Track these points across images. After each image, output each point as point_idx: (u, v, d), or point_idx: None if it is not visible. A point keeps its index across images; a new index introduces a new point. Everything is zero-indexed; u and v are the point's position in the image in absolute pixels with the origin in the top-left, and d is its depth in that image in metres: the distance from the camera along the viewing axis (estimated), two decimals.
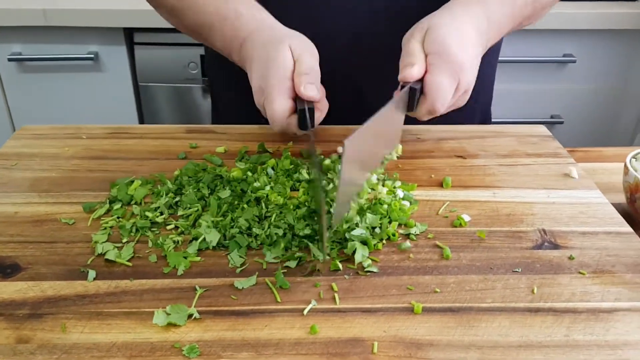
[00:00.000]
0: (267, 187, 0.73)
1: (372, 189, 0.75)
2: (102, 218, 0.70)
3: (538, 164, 0.82)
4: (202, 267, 0.63)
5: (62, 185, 0.76)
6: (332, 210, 0.66)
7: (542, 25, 1.64)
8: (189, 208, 0.70)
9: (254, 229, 0.67)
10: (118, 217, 0.69)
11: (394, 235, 0.67)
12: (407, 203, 0.72)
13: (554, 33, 1.69)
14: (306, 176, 0.77)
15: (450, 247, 0.66)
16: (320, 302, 0.59)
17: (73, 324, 0.55)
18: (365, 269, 0.62)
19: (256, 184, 0.74)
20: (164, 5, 0.87)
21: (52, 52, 1.68)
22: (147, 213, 0.69)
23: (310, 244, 0.65)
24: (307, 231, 0.66)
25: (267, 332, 0.55)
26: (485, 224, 0.70)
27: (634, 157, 0.76)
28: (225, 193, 0.72)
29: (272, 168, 0.78)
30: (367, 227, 0.66)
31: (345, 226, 0.67)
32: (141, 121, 1.81)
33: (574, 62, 1.72)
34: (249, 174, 0.76)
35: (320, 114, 0.76)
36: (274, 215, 0.69)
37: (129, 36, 1.68)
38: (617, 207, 0.74)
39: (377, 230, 0.67)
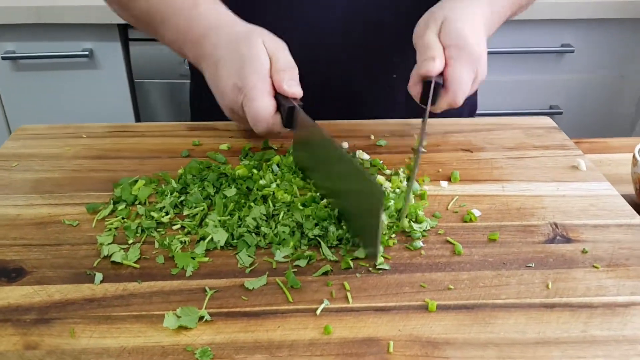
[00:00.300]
0: (274, 185, 0.72)
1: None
2: (106, 219, 0.68)
3: (545, 156, 0.81)
4: (211, 267, 0.62)
5: (65, 186, 0.74)
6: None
7: (540, 15, 1.63)
8: (195, 207, 0.69)
9: (262, 228, 0.66)
10: (123, 218, 0.68)
11: (408, 230, 0.66)
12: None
13: (552, 23, 1.68)
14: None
15: (461, 242, 0.65)
16: (333, 301, 0.58)
17: (82, 329, 0.54)
18: (377, 267, 0.61)
19: (262, 182, 0.73)
20: None
21: (46, 49, 1.65)
22: (152, 213, 0.68)
23: (321, 242, 0.64)
24: (317, 231, 0.65)
25: (280, 333, 0.54)
26: (496, 219, 0.69)
27: None
28: (231, 191, 0.71)
29: (277, 165, 0.77)
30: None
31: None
32: (137, 118, 1.79)
33: (572, 52, 1.71)
34: (255, 171, 0.75)
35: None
36: (281, 214, 0.67)
37: (124, 32, 1.66)
38: (626, 198, 0.73)
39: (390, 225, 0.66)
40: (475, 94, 1.09)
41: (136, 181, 0.74)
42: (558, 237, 0.66)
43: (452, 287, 0.59)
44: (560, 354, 0.52)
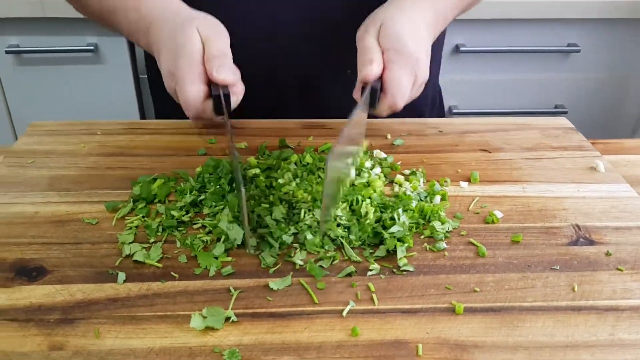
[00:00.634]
0: (293, 184, 0.72)
1: (397, 183, 0.74)
2: (126, 217, 0.68)
3: (564, 157, 0.81)
4: (234, 267, 0.61)
5: (82, 183, 0.74)
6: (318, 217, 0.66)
7: (546, 14, 1.63)
8: (215, 206, 0.69)
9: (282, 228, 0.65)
10: (143, 217, 0.68)
11: (432, 233, 0.66)
12: (437, 199, 0.71)
13: (558, 22, 1.67)
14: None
15: (484, 244, 0.65)
16: (358, 302, 0.57)
17: (107, 329, 0.54)
18: (402, 268, 0.61)
19: (280, 181, 0.72)
20: None
21: (50, 44, 1.64)
22: (172, 212, 0.67)
23: (344, 243, 0.64)
24: (340, 232, 0.64)
25: (308, 335, 0.54)
26: (518, 220, 0.69)
27: None
28: (250, 189, 0.70)
29: (295, 164, 0.77)
30: (403, 224, 0.65)
31: (374, 224, 0.65)
32: (142, 113, 1.78)
33: (578, 51, 1.70)
34: (270, 171, 0.74)
35: (236, 98, 0.74)
36: (302, 213, 0.67)
37: None
38: None
39: (413, 227, 0.66)
40: (437, 90, 1.09)
41: (154, 179, 0.73)
42: (581, 239, 0.66)
43: (477, 289, 0.59)
44: (590, 357, 0.52)
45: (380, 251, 0.63)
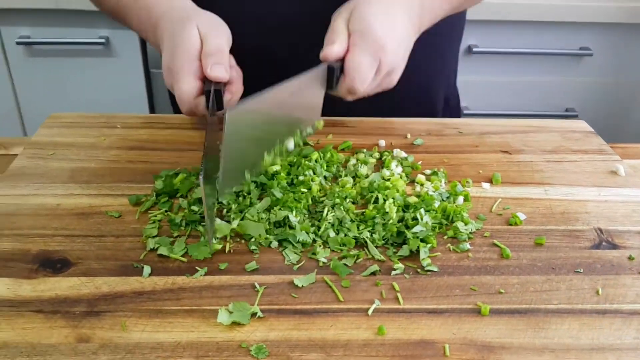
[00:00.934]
0: (314, 183, 0.71)
1: (419, 183, 0.74)
2: (149, 211, 0.68)
3: (585, 160, 0.81)
4: (258, 263, 0.61)
5: (103, 176, 0.74)
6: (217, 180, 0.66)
7: (558, 17, 1.63)
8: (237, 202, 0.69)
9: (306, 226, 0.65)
10: (166, 211, 0.67)
11: (455, 234, 0.66)
12: (460, 199, 0.71)
13: (571, 26, 1.67)
14: (352, 169, 0.76)
15: (508, 246, 0.65)
16: (383, 302, 0.57)
17: (133, 322, 0.54)
18: (426, 268, 0.61)
19: (301, 178, 0.72)
20: None
21: (62, 36, 1.63)
22: (194, 207, 0.67)
23: (367, 241, 0.64)
24: (364, 232, 0.64)
25: (334, 332, 0.54)
26: (541, 223, 0.69)
27: None
28: (277, 193, 0.70)
29: (316, 161, 0.76)
30: (426, 224, 0.65)
31: (398, 224, 0.65)
32: (151, 108, 1.78)
33: (591, 55, 1.70)
34: (291, 168, 0.74)
35: (231, 96, 0.74)
36: (325, 211, 0.67)
37: None
38: None
39: (435, 227, 0.66)
40: (450, 91, 1.08)
41: (176, 174, 0.73)
42: (604, 243, 0.66)
43: (502, 290, 0.59)
44: None
45: (404, 251, 0.63)
